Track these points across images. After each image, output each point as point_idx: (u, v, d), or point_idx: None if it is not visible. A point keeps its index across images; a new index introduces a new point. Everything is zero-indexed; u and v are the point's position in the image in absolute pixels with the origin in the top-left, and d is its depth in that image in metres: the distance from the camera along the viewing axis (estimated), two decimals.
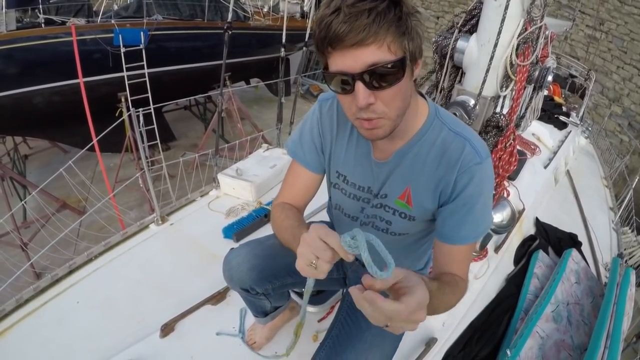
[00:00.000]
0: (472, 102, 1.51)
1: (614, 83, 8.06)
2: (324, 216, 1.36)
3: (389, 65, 0.66)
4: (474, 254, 1.89)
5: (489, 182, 0.86)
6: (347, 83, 0.69)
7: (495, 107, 1.56)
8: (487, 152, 0.84)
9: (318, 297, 1.65)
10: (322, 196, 1.12)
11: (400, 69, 0.68)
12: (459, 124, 0.88)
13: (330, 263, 0.65)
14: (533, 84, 1.52)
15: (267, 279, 1.09)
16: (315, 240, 0.65)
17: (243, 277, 1.09)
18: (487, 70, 1.45)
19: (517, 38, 1.40)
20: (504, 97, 1.53)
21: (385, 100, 0.70)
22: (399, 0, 0.66)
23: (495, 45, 1.41)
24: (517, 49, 1.42)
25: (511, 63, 1.45)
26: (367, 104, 0.69)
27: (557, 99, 4.80)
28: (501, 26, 1.36)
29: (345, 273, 1.32)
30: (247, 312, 1.60)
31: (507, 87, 1.50)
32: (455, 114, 1.49)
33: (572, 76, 5.73)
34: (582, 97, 5.12)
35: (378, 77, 0.67)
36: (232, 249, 1.15)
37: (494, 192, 1.71)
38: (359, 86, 0.67)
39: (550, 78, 1.46)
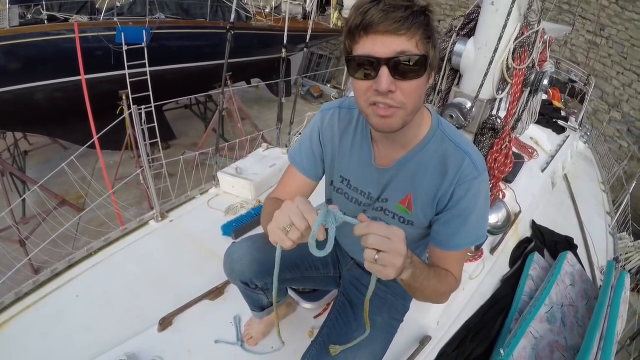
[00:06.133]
0: (468, 104, 1.54)
1: (613, 89, 8.09)
2: None
3: (415, 59, 0.71)
4: (469, 254, 1.91)
5: (484, 195, 0.90)
6: (371, 67, 0.72)
7: (492, 109, 1.58)
8: (484, 167, 0.89)
9: (314, 294, 1.67)
10: (318, 197, 1.14)
11: (423, 66, 0.73)
12: (459, 137, 0.91)
13: (302, 234, 0.70)
14: (529, 88, 1.54)
15: (267, 272, 1.11)
16: (295, 209, 0.70)
17: (244, 270, 1.12)
18: (485, 74, 1.47)
19: (514, 42, 1.42)
20: (501, 100, 1.55)
21: (406, 92, 0.74)
22: (429, 12, 0.72)
23: (494, 49, 1.43)
24: (513, 53, 1.45)
25: (508, 67, 1.47)
26: (388, 90, 0.72)
27: (556, 103, 4.82)
28: (502, 32, 1.39)
29: (340, 272, 1.35)
30: (241, 319, 1.63)
31: (503, 90, 1.52)
32: (451, 115, 1.51)
33: (572, 81, 5.75)
34: (581, 102, 5.14)
35: (402, 68, 0.71)
36: (233, 242, 1.17)
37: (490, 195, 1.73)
38: (384, 71, 0.71)
39: (546, 82, 1.48)
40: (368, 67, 0.72)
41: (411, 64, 0.71)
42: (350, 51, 0.75)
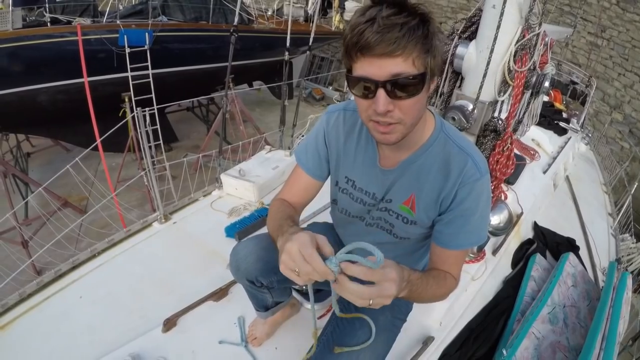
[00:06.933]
0: (470, 106, 1.55)
1: (615, 90, 8.09)
2: (326, 217, 1.39)
3: (411, 78, 0.71)
4: (472, 255, 1.92)
5: (486, 197, 0.91)
6: (369, 88, 0.73)
7: (494, 111, 1.59)
8: (486, 169, 0.90)
9: (318, 294, 1.68)
10: (323, 198, 1.16)
11: (421, 83, 0.73)
12: (462, 139, 0.93)
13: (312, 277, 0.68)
14: (531, 90, 1.55)
15: (272, 270, 1.12)
16: (297, 255, 0.68)
17: (250, 267, 1.13)
18: (486, 76, 1.49)
19: (515, 45, 1.43)
20: (502, 102, 1.57)
21: (403, 109, 0.75)
22: (428, 20, 0.71)
23: (495, 52, 1.44)
24: (514, 56, 1.46)
25: (509, 69, 1.48)
26: (385, 111, 0.73)
27: (557, 105, 4.83)
28: (501, 34, 1.40)
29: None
30: (245, 320, 1.64)
31: (505, 92, 1.53)
32: (453, 117, 1.52)
33: (573, 83, 5.76)
34: (583, 103, 5.15)
35: (399, 88, 0.72)
36: (240, 241, 1.18)
37: (491, 196, 1.74)
38: (381, 93, 0.72)
39: (547, 84, 1.50)
40: (366, 87, 0.73)
41: (407, 83, 0.72)
42: (349, 68, 0.76)
